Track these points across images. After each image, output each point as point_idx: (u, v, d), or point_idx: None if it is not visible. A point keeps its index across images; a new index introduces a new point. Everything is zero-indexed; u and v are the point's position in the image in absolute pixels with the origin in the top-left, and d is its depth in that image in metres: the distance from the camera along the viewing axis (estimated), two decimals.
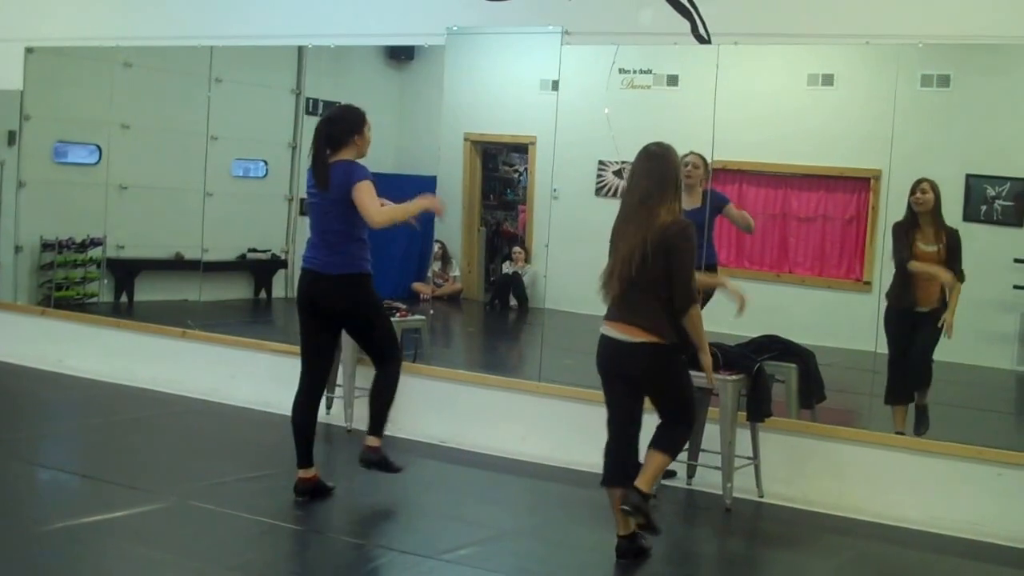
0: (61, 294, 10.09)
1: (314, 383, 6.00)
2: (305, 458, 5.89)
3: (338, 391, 7.77)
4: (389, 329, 6.12)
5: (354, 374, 7.52)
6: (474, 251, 12.25)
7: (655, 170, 5.13)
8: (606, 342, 5.19)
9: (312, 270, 5.84)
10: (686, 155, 6.69)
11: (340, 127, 5.81)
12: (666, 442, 5.17)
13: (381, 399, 6.01)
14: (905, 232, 6.76)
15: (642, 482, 5.08)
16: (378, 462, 5.97)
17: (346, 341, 7.01)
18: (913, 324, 6.81)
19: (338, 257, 5.78)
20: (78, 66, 10.05)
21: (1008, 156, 7.74)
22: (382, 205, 5.75)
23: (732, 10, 7.12)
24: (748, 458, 6.46)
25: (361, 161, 5.86)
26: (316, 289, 5.83)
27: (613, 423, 5.22)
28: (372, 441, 5.96)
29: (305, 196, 6.00)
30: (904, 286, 6.80)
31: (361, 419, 6.43)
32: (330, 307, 5.84)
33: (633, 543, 5.22)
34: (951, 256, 6.72)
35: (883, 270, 7.50)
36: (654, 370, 5.12)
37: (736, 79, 7.64)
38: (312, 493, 5.88)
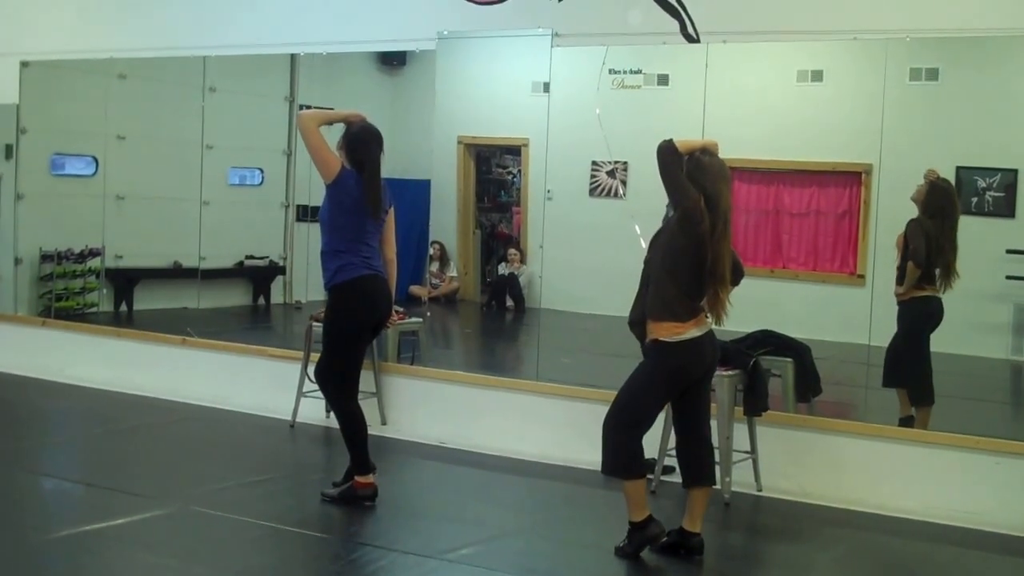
0: (61, 304, 10.13)
1: None
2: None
3: None
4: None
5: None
6: (470, 253, 12.29)
7: None
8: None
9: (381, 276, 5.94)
10: None
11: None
12: None
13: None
14: None
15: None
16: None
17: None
18: None
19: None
20: (73, 79, 10.10)
21: (998, 147, 7.77)
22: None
23: (720, 9, 7.16)
24: (746, 452, 6.50)
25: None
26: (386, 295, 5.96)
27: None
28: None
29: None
30: None
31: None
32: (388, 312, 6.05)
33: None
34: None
35: (876, 264, 7.56)
36: None
37: (726, 77, 7.69)
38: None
